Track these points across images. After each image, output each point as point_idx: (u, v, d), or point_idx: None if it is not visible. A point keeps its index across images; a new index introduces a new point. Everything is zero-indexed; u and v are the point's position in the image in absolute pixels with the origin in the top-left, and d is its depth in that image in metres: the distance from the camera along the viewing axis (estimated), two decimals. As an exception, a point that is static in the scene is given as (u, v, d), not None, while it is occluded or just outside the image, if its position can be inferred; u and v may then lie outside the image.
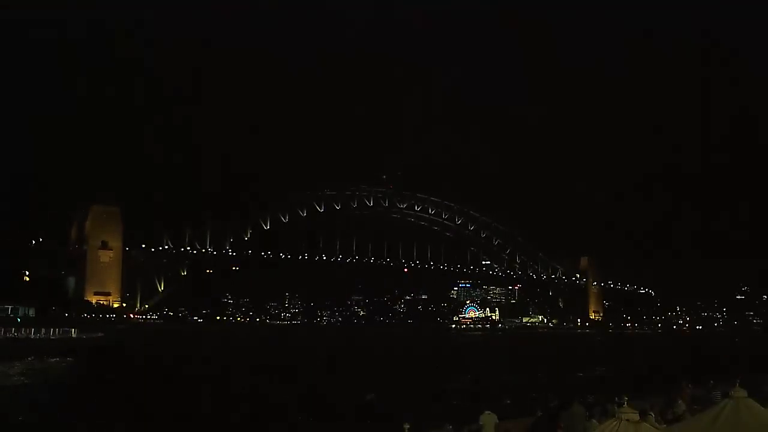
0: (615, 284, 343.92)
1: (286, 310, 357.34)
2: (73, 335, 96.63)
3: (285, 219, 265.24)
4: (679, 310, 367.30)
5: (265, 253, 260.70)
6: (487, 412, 18.52)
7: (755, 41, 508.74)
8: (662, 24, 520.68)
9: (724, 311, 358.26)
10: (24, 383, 57.42)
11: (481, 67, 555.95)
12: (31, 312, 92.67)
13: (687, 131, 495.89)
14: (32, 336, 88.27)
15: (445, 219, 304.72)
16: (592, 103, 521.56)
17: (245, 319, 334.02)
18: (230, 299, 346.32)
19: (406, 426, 14.90)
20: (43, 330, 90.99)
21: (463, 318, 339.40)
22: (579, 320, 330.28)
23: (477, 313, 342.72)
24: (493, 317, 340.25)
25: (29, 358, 74.95)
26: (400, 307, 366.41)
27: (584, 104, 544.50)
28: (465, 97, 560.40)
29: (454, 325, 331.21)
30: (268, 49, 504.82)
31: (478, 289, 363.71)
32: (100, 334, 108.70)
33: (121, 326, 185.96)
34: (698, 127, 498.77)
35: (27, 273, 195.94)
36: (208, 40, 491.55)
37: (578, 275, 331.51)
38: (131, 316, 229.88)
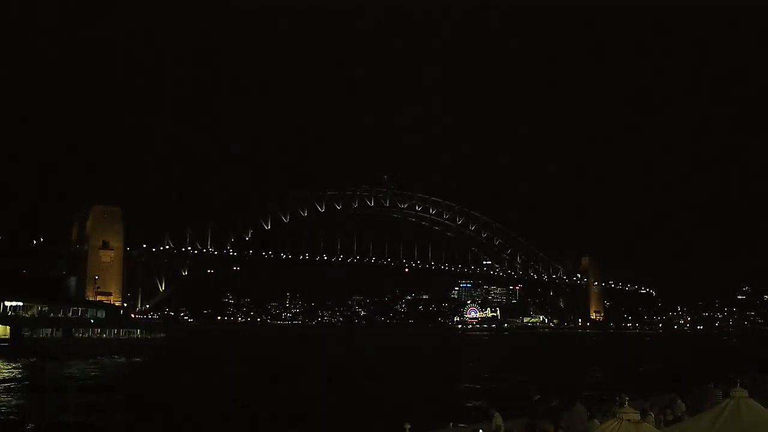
0: (616, 284, 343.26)
1: (287, 310, 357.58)
2: (138, 336, 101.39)
3: (286, 219, 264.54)
4: (680, 310, 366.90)
5: (266, 253, 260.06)
6: (495, 412, 18.56)
7: None
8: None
9: (734, 310, 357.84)
10: (95, 381, 59.71)
11: (483, 65, 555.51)
12: (101, 313, 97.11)
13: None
14: (103, 336, 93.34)
15: (446, 219, 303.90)
16: (592, 102, 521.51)
17: (246, 319, 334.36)
18: (231, 299, 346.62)
19: (407, 426, 14.88)
20: (109, 330, 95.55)
21: (470, 318, 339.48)
22: (580, 320, 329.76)
23: (477, 313, 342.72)
24: (497, 317, 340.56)
25: (101, 357, 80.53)
26: (401, 308, 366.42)
27: (586, 104, 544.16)
28: (466, 97, 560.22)
29: (460, 326, 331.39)
30: (268, 49, 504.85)
31: (479, 289, 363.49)
32: (162, 335, 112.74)
33: None
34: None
35: (27, 273, 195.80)
36: (209, 38, 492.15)
37: (579, 275, 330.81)
38: (132, 316, 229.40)
